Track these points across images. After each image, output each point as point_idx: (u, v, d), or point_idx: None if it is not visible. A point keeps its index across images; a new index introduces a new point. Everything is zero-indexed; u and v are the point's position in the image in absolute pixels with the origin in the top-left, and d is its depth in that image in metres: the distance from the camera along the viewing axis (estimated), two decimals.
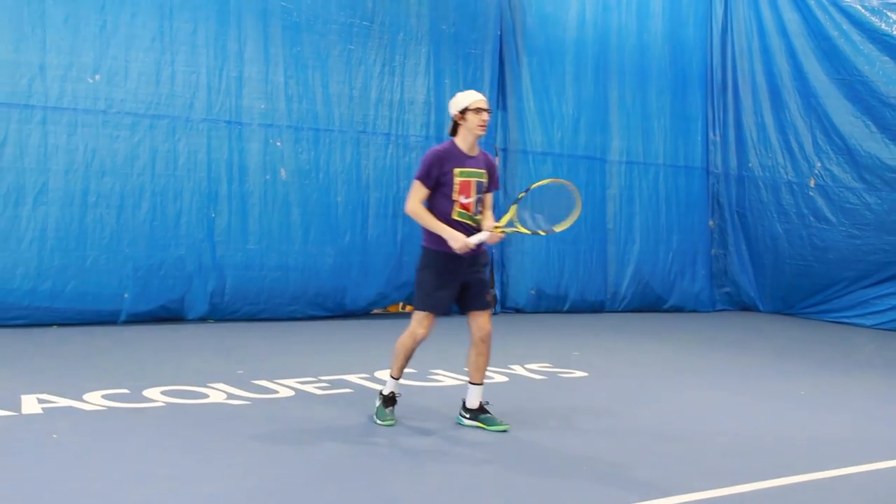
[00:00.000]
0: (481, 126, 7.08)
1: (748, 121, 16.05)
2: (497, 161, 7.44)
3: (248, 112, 11.80)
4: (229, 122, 11.68)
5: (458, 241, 6.91)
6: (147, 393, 7.76)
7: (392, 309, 13.36)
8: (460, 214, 7.07)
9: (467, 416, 7.35)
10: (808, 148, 15.41)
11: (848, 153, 14.98)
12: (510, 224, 7.15)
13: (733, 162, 16.17)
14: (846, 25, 15.00)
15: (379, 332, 11.76)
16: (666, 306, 15.47)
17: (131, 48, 11.10)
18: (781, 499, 6.13)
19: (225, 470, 5.98)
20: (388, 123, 12.76)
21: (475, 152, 7.18)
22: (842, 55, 15.03)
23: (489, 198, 7.32)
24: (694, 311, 15.62)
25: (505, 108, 13.83)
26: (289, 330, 11.53)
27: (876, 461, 7.10)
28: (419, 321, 7.13)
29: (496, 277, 13.71)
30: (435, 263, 7.12)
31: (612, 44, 14.94)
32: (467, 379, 7.39)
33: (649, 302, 15.33)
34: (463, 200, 7.07)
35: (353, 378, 8.83)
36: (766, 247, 15.87)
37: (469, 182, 7.09)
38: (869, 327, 14.63)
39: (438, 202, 7.09)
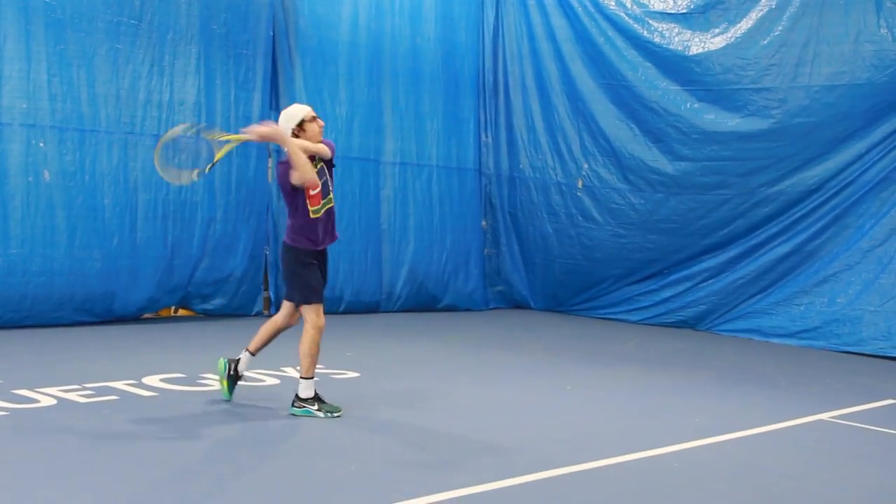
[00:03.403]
0: (321, 132, 7.87)
1: (519, 123, 16.40)
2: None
3: (8, 112, 11.29)
4: None
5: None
6: None
7: (163, 313, 13.09)
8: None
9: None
10: (576, 150, 15.89)
11: (613, 155, 15.53)
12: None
13: (505, 163, 16.49)
14: (611, 32, 15.54)
15: (149, 337, 11.54)
16: (440, 306, 15.68)
17: None
18: (537, 493, 6.34)
19: None
20: (157, 124, 12.44)
21: None
22: (607, 61, 15.56)
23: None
24: (468, 309, 15.89)
25: (278, 110, 13.67)
26: (55, 337, 11.13)
27: (630, 452, 7.43)
28: (318, 313, 7.70)
29: (270, 279, 13.62)
30: (304, 258, 7.72)
31: (386, 47, 15.02)
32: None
33: (424, 301, 15.51)
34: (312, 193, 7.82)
35: (118, 384, 8.63)
36: (536, 246, 16.28)
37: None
38: (635, 322, 15.23)
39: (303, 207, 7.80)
